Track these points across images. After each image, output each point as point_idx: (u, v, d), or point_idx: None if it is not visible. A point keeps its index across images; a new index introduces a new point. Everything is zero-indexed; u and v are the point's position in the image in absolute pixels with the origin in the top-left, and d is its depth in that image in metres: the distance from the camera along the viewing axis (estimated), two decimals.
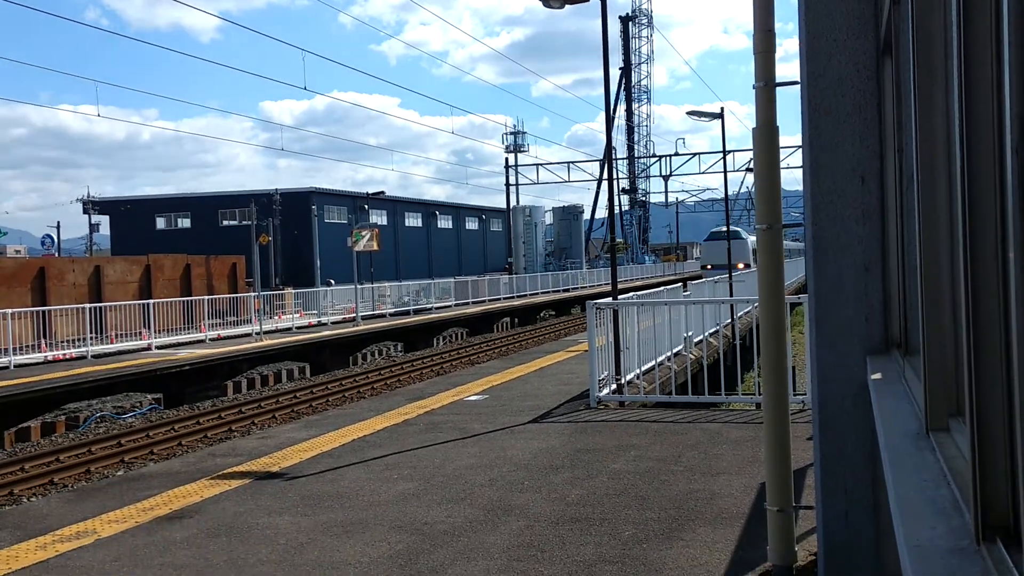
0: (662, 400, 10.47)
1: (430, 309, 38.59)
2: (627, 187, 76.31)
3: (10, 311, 21.08)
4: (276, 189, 54.17)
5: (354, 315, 32.67)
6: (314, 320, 32.41)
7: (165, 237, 58.46)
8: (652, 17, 75.36)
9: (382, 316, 35.51)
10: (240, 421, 16.15)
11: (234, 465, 8.01)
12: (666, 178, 72.11)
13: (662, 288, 16.09)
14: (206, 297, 29.14)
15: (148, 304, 25.32)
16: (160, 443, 14.31)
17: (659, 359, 12.02)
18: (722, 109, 24.04)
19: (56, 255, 51.42)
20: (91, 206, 60.09)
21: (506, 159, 66.73)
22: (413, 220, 72.62)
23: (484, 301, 43.40)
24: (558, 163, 69.00)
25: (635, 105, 76.48)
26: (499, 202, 75.17)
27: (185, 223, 61.37)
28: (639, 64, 75.65)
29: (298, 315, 32.82)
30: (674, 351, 12.24)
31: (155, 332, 24.84)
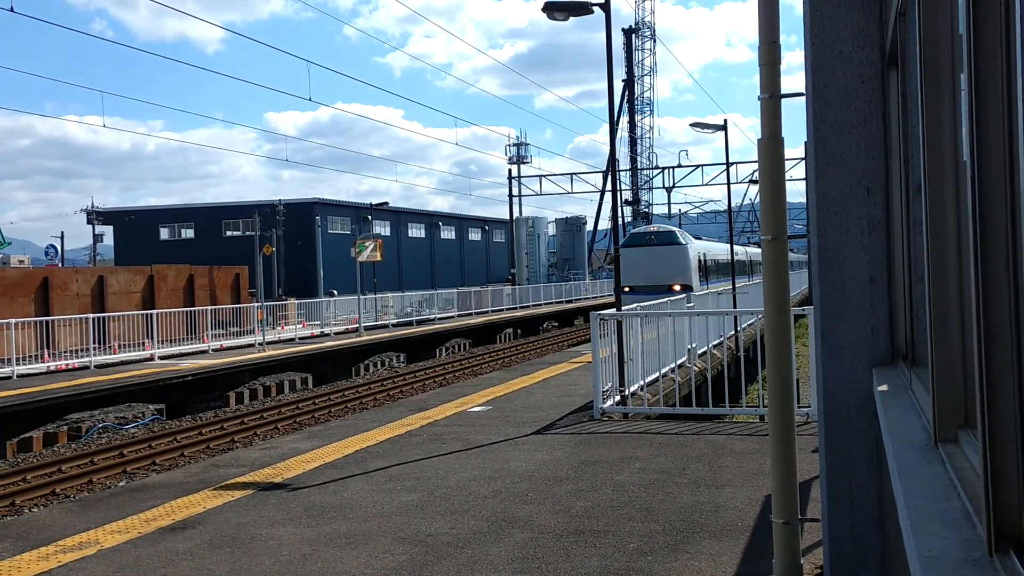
0: (666, 412, 10.45)
1: (433, 320, 38.61)
2: (630, 199, 76.32)
3: (13, 321, 21.11)
4: (280, 200, 54.22)
5: (357, 326, 32.67)
6: (317, 331, 32.40)
7: (169, 247, 58.62)
8: (655, 29, 75.51)
9: (385, 327, 35.50)
10: (242, 432, 16.14)
11: (237, 476, 8.00)
12: (669, 190, 72.04)
13: (665, 299, 16.07)
14: (209, 308, 29.16)
15: (151, 314, 25.33)
16: (162, 453, 14.31)
17: (663, 371, 12.00)
18: (725, 121, 24.10)
19: (60, 265, 51.48)
20: (95, 216, 60.21)
21: (509, 170, 66.76)
22: (416, 231, 72.75)
23: (487, 312, 43.42)
24: (561, 174, 68.94)
25: (638, 117, 76.54)
26: (502, 213, 75.08)
27: (189, 234, 61.53)
28: (642, 76, 75.74)
29: (301, 326, 32.83)
30: (678, 363, 12.22)
31: (158, 343, 24.85)
